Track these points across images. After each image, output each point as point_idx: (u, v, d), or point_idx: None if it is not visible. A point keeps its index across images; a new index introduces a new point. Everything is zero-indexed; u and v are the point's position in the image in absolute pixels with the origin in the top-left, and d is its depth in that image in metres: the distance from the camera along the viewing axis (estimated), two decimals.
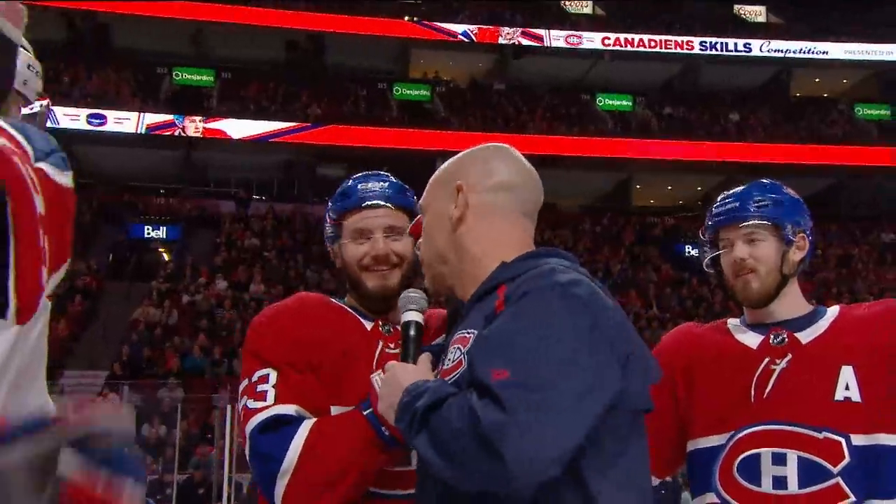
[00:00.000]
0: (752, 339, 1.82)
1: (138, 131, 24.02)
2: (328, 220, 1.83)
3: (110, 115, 23.87)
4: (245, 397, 1.62)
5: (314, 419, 1.58)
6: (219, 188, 26.15)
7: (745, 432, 1.73)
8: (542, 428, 1.10)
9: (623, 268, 22.37)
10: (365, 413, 1.55)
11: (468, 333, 1.29)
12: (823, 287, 21.12)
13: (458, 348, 1.30)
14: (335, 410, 1.61)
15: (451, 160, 1.48)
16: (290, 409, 1.58)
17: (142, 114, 24.19)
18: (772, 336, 1.80)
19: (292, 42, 28.32)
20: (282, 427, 1.56)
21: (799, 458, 1.67)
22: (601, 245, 23.80)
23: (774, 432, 1.70)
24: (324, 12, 27.26)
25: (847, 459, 1.65)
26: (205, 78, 26.73)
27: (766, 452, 1.70)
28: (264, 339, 1.67)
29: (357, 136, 24.99)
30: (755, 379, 1.75)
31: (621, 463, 1.22)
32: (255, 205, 24.44)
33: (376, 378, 1.61)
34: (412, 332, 1.47)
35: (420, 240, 1.49)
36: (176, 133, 24.42)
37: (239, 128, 24.74)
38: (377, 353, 1.68)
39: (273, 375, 1.62)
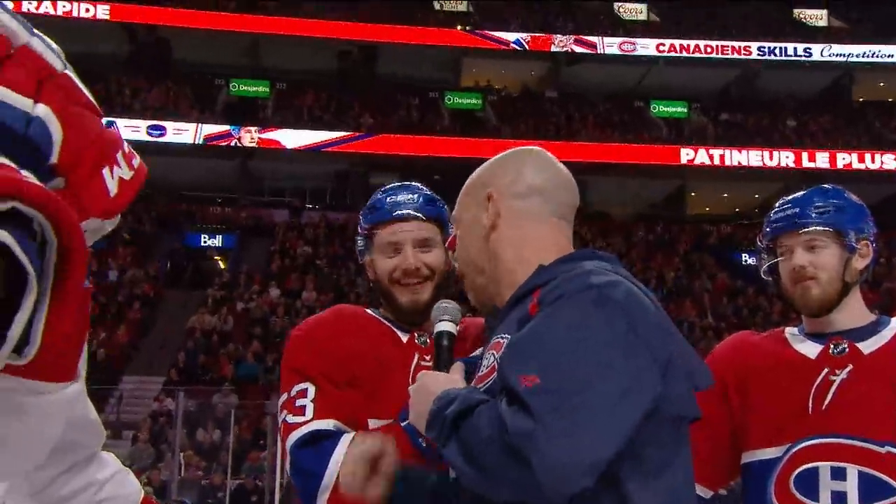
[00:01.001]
0: (810, 349, 1.76)
1: (196, 142, 24.55)
2: (359, 234, 1.83)
3: (169, 126, 24.44)
4: (284, 412, 1.63)
5: (353, 433, 1.57)
6: (273, 197, 26.55)
7: (803, 445, 1.67)
8: (572, 435, 1.06)
9: (678, 276, 22.02)
10: (403, 424, 1.55)
11: (502, 338, 1.26)
12: (889, 297, 20.44)
13: (493, 354, 1.27)
14: (373, 424, 1.61)
15: (480, 168, 1.45)
16: (328, 423, 1.59)
17: (199, 125, 24.71)
18: (831, 346, 1.74)
19: (345, 52, 28.66)
20: (321, 442, 1.57)
21: (860, 472, 1.61)
22: (655, 253, 23.46)
23: (834, 446, 1.65)
24: (376, 23, 27.53)
25: None
26: (260, 89, 27.20)
27: (824, 466, 1.64)
28: (302, 353, 1.68)
29: (409, 144, 25.14)
30: (813, 390, 1.70)
31: (664, 473, 1.17)
32: (309, 213, 24.73)
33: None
34: (445, 343, 1.45)
35: (456, 252, 1.46)
36: (232, 143, 24.87)
37: (293, 138, 25.09)
38: (413, 364, 1.68)
39: (311, 390, 1.62)
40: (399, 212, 1.76)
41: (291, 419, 1.61)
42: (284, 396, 1.65)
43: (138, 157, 0.93)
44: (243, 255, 22.00)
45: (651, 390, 1.13)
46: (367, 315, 1.77)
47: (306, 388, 1.62)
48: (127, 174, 0.89)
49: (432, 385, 1.29)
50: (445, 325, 1.47)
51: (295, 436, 1.59)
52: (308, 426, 1.59)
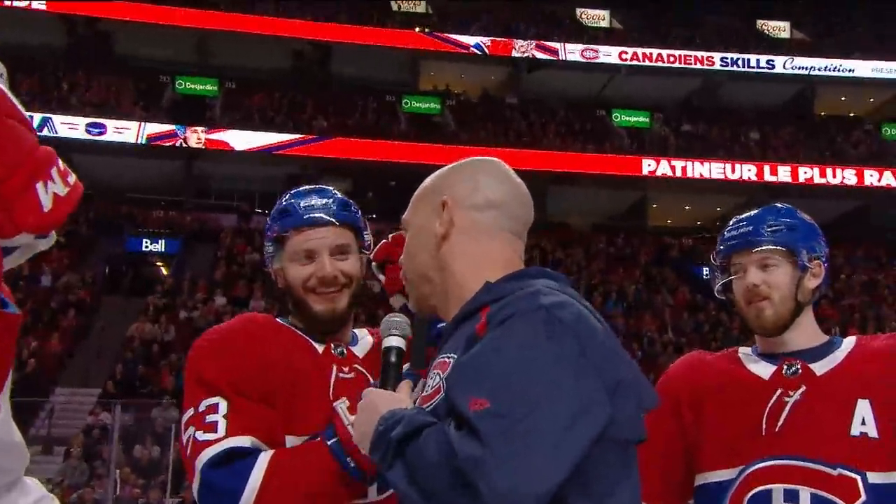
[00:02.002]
0: (763, 370, 1.80)
1: (138, 141, 24.17)
2: (268, 238, 1.77)
3: (110, 124, 24.04)
4: (192, 428, 1.56)
5: (271, 451, 1.54)
6: (220, 201, 26.27)
7: (756, 467, 1.71)
8: (522, 461, 1.05)
9: (638, 290, 22.30)
10: (329, 443, 1.52)
11: (448, 358, 1.25)
12: (849, 314, 20.99)
13: (438, 374, 1.26)
14: (290, 441, 1.57)
15: (435, 174, 1.44)
16: (244, 440, 1.53)
17: (142, 123, 24.34)
18: (785, 366, 1.78)
19: (298, 52, 28.53)
20: (237, 461, 1.51)
21: (812, 495, 1.65)
22: (615, 266, 23.74)
23: (787, 468, 1.69)
24: (331, 22, 27.48)
25: (863, 498, 1.63)
26: (208, 87, 26.92)
27: (777, 489, 1.68)
28: (210, 365, 1.61)
29: (364, 149, 25.09)
30: (767, 411, 1.74)
31: (611, 497, 1.19)
32: (258, 218, 24.48)
33: (341, 406, 1.57)
34: (392, 359, 1.40)
35: (402, 257, 1.44)
36: (177, 144, 24.56)
37: (242, 139, 24.87)
38: (332, 377, 1.64)
39: (223, 405, 1.56)
40: (313, 216, 1.71)
41: (201, 436, 1.54)
42: (191, 412, 1.58)
43: (73, 175, 0.93)
44: (187, 261, 21.68)
45: (602, 413, 1.14)
46: (279, 324, 1.73)
47: (217, 403, 1.56)
48: (62, 190, 0.89)
49: (379, 404, 1.27)
50: (394, 341, 1.43)
51: (207, 454, 1.52)
52: (222, 444, 1.52)
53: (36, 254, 1.11)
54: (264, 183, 26.25)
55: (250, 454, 1.52)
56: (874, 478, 1.64)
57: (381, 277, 1.82)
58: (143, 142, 24.24)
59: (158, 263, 22.36)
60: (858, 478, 1.64)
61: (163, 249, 22.53)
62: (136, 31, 26.09)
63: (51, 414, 14.81)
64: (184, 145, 24.60)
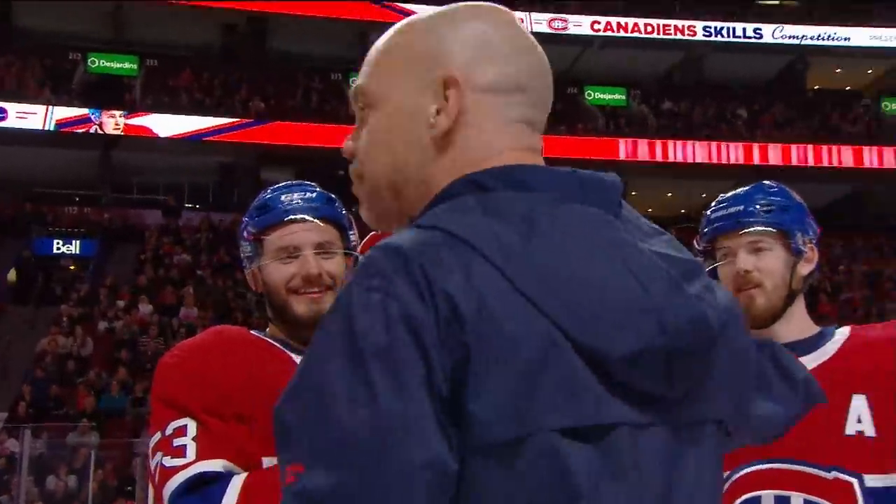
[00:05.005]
0: None
1: (46, 128, 23.85)
2: (245, 238, 1.82)
3: (11, 108, 23.65)
4: (159, 454, 1.60)
5: (244, 474, 1.56)
6: (143, 195, 26.03)
7: (745, 471, 1.73)
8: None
9: None
10: None
11: None
12: (849, 309, 21.40)
13: None
14: (267, 462, 1.59)
15: (412, 23, 1.11)
16: (215, 464, 1.56)
17: (50, 107, 24.01)
18: None
19: (230, 25, 28.30)
20: (208, 486, 1.54)
21: (805, 501, 1.68)
22: None
23: (777, 472, 1.71)
24: None
25: (860, 502, 1.66)
26: (126, 66, 26.64)
27: (767, 495, 1.70)
28: (178, 384, 1.65)
29: (307, 134, 25.01)
30: None
31: None
32: (187, 215, 24.32)
33: None
34: None
35: (355, 143, 1.10)
36: (92, 130, 24.28)
37: (167, 124, 24.64)
38: None
39: (192, 426, 1.60)
40: (295, 213, 1.76)
41: (169, 462, 1.57)
42: (158, 436, 1.62)
43: None
44: (106, 265, 21.52)
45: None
46: (253, 336, 1.77)
47: (185, 425, 1.60)
48: None
49: None
50: None
51: (176, 481, 1.55)
52: (191, 468, 1.56)
53: None
54: (194, 174, 26.07)
55: (222, 478, 1.55)
56: (871, 480, 1.67)
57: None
58: (52, 128, 23.93)
59: (72, 267, 22.08)
60: (855, 481, 1.67)
61: (77, 251, 22.30)
62: (41, 2, 25.62)
63: None
64: (99, 132, 24.32)
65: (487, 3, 1.11)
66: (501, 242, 0.90)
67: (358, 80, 1.11)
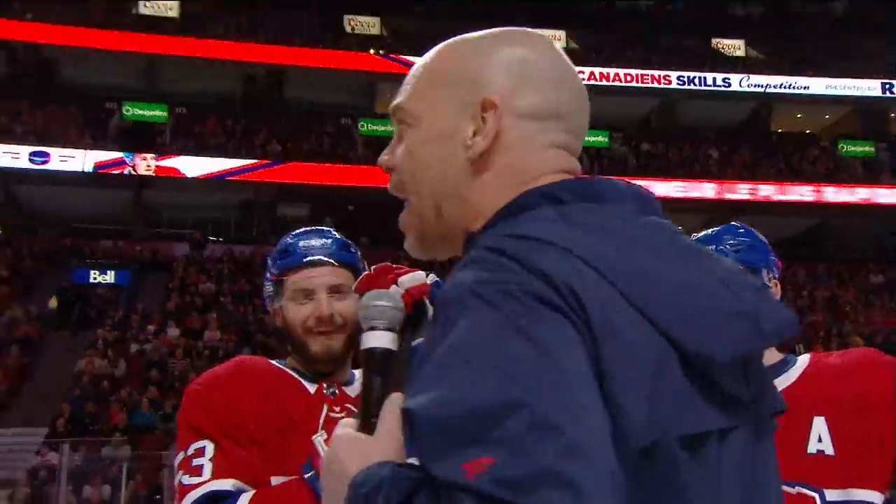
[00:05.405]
0: None
1: (85, 170, 23.90)
2: (268, 278, 1.85)
3: (54, 152, 23.74)
4: (181, 472, 1.63)
5: (252, 491, 1.58)
6: (172, 230, 25.98)
7: None
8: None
9: None
10: (306, 476, 1.57)
11: None
12: (812, 331, 21.38)
13: None
14: (276, 481, 1.62)
15: (456, 47, 1.03)
16: (227, 483, 1.59)
17: (89, 151, 24.10)
18: None
19: (250, 76, 28.45)
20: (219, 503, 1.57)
21: None
22: None
23: None
24: (284, 45, 27.47)
25: None
26: (157, 113, 26.69)
27: None
28: (199, 410, 1.68)
29: (320, 173, 25.05)
30: None
31: None
32: (211, 247, 24.26)
33: (318, 440, 1.63)
34: (375, 368, 0.97)
35: (400, 161, 1.04)
36: (126, 172, 24.32)
37: (194, 166, 24.69)
38: (322, 418, 1.70)
39: (210, 448, 1.62)
40: (312, 257, 1.78)
41: (187, 480, 1.60)
42: (181, 456, 1.65)
43: None
44: (138, 293, 21.41)
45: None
46: (270, 366, 1.78)
47: (204, 447, 1.62)
48: None
49: (345, 459, 0.88)
50: (376, 339, 0.99)
51: (191, 497, 1.58)
52: (205, 487, 1.58)
53: None
54: (217, 210, 26.04)
55: (232, 496, 1.57)
56: (831, 495, 1.68)
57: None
58: (90, 170, 23.97)
59: (107, 295, 21.98)
60: (816, 496, 1.68)
61: (112, 281, 22.18)
62: (81, 57, 25.82)
63: None
64: (132, 173, 24.35)
65: (529, 30, 1.03)
66: (597, 250, 0.83)
67: (397, 98, 1.04)
